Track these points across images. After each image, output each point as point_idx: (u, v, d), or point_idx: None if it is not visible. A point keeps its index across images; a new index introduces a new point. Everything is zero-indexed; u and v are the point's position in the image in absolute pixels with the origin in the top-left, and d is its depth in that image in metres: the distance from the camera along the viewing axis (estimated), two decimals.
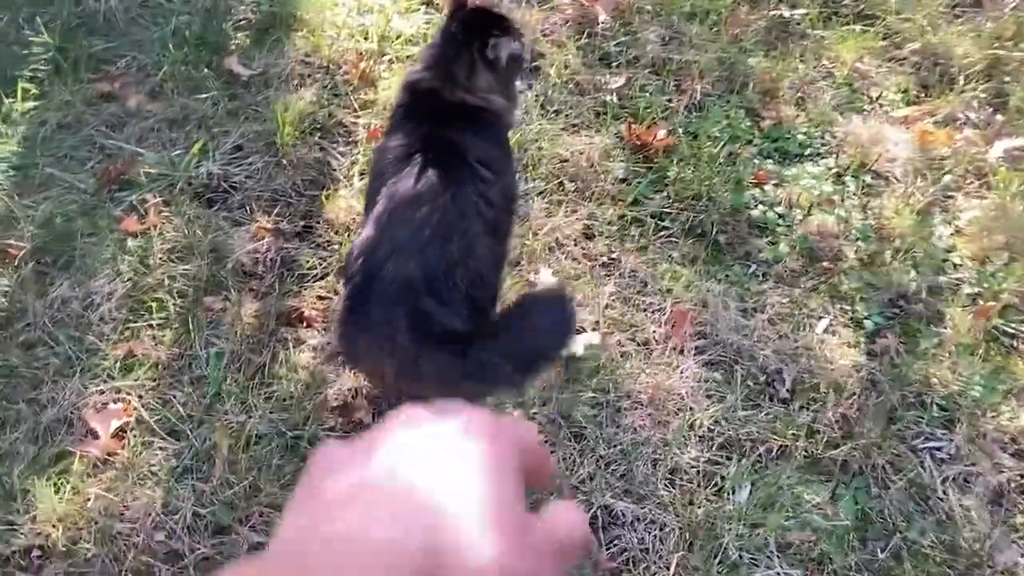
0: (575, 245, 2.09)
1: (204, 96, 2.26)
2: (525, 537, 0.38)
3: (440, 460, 0.39)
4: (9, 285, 1.90)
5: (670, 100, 2.41)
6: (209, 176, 2.11)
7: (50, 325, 1.85)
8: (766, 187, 2.25)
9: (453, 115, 1.66)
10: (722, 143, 2.31)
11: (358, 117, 2.27)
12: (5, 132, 2.16)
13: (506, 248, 1.71)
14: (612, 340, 1.93)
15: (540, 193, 2.16)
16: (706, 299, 2.00)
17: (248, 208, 2.08)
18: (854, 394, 1.86)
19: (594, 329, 1.93)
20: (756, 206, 2.20)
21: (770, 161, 2.32)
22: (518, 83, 1.96)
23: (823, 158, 2.33)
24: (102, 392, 1.77)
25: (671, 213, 2.16)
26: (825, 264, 2.10)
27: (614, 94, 2.41)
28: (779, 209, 2.20)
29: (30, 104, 2.22)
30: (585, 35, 2.55)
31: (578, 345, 1.87)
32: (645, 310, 1.99)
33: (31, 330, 1.84)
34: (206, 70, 2.30)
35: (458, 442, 0.40)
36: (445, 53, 1.71)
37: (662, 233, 2.13)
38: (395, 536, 0.36)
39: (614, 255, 2.08)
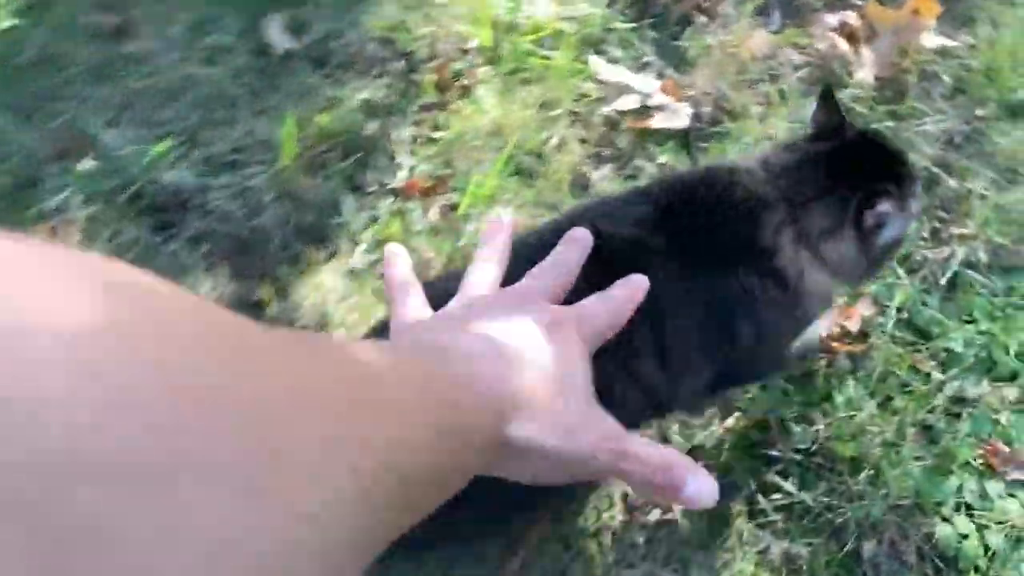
0: None
1: (216, 68, 1.60)
2: (586, 407, 0.53)
3: (526, 335, 0.53)
4: None
5: (913, 260, 1.45)
6: (176, 188, 1.50)
7: None
8: (991, 479, 1.28)
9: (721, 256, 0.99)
10: (959, 366, 1.34)
11: (413, 152, 1.54)
12: None
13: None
14: None
15: None
16: None
17: (206, 250, 1.47)
18: None
19: None
20: (956, 512, 1.26)
21: None
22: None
23: None
24: None
25: (803, 472, 1.28)
26: None
27: None
28: (994, 536, 1.24)
29: (7, 23, 1.68)
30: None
31: None
32: None
33: None
34: (228, 36, 1.61)
35: (543, 327, 0.54)
36: (805, 181, 1.03)
37: (775, 498, 1.27)
38: (479, 372, 0.49)
39: (669, 515, 1.27)
